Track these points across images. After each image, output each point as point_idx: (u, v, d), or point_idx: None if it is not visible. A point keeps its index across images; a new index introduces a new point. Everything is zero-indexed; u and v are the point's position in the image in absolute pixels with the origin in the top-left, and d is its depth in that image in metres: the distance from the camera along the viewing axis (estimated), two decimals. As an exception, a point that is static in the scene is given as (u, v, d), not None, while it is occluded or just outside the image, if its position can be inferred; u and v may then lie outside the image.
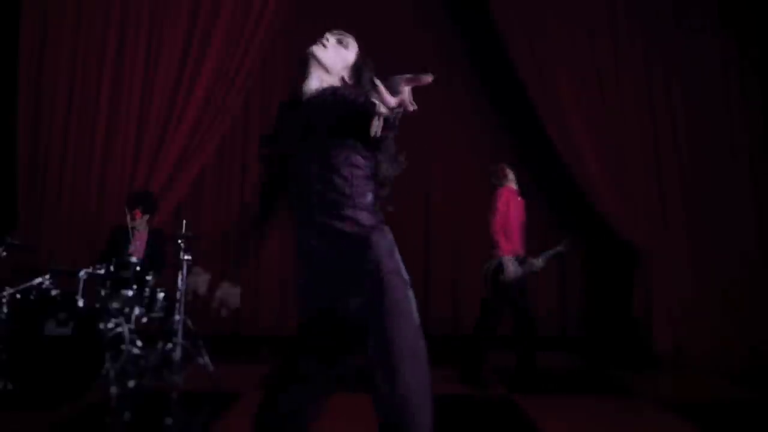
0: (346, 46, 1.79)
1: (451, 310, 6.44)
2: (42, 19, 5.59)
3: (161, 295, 4.17)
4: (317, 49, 1.75)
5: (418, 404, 1.44)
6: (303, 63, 1.76)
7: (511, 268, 4.01)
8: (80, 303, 3.61)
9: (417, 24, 6.67)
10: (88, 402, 3.45)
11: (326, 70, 1.75)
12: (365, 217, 1.61)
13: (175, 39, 5.59)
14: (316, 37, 1.77)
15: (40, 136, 5.47)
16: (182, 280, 4.15)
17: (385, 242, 1.59)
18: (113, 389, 3.47)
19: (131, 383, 3.71)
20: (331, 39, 1.77)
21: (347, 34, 1.81)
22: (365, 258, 1.55)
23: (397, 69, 1.43)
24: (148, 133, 5.48)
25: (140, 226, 4.55)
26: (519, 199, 4.37)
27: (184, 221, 4.33)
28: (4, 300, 3.55)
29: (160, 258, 4.51)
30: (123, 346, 3.72)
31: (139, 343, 3.93)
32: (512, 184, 4.40)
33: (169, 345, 4.05)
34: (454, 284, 6.46)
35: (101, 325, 3.56)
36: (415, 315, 1.53)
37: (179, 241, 4.20)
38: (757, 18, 5.83)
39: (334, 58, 1.76)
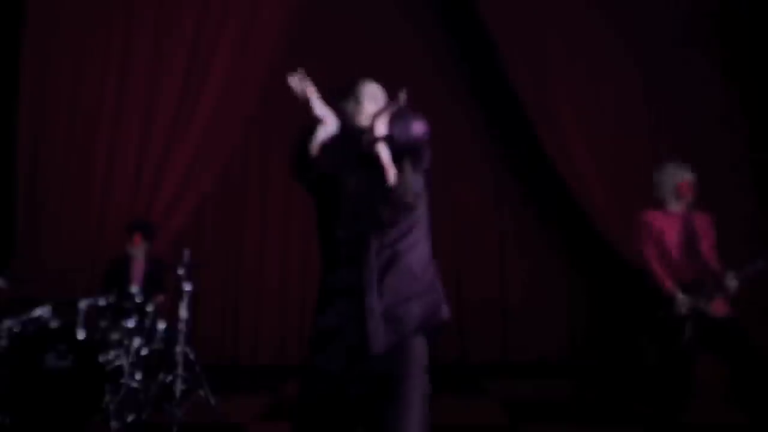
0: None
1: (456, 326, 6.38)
2: (45, 34, 5.61)
3: (162, 326, 4.13)
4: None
5: None
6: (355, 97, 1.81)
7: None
8: (80, 335, 3.57)
9: (414, 35, 6.73)
10: (87, 436, 3.39)
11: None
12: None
13: (177, 65, 5.62)
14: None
15: (39, 165, 5.46)
16: (183, 309, 4.10)
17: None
18: (113, 423, 3.41)
19: (131, 417, 3.66)
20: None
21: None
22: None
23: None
24: (148, 161, 5.48)
25: (139, 254, 4.55)
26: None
27: (186, 250, 4.30)
28: (2, 333, 3.51)
29: (160, 285, 4.50)
30: (122, 380, 3.66)
31: (138, 376, 3.88)
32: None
33: (170, 377, 3.98)
34: (457, 305, 6.40)
35: (101, 358, 3.52)
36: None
37: (179, 271, 4.14)
38: (755, 44, 5.91)
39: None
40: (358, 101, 1.77)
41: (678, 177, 3.36)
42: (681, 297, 3.17)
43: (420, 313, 1.66)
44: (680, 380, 3.22)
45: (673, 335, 3.21)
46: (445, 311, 1.75)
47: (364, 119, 1.74)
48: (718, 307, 3.14)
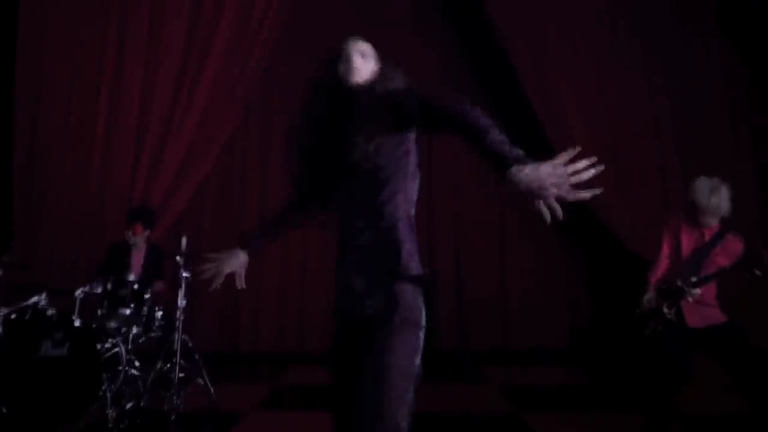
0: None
1: (456, 314, 6.34)
2: (41, 20, 5.53)
3: (159, 313, 4.08)
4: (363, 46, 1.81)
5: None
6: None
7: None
8: (77, 323, 3.52)
9: (416, 30, 6.62)
10: (84, 424, 3.36)
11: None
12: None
13: (175, 45, 5.53)
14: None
15: (36, 149, 5.40)
16: (181, 297, 4.04)
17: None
18: (110, 411, 3.38)
19: (129, 405, 3.63)
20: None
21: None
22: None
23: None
24: (147, 147, 5.41)
25: (139, 242, 4.49)
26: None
27: (184, 238, 4.24)
28: (-2, 320, 3.46)
29: (158, 272, 4.45)
30: (120, 367, 3.63)
31: (137, 363, 3.85)
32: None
33: (168, 365, 3.95)
34: (457, 293, 6.35)
35: (98, 346, 3.48)
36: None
37: (177, 258, 4.08)
38: (756, 27, 5.82)
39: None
40: (347, 59, 1.74)
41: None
42: (649, 295, 3.14)
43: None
44: (663, 371, 3.08)
45: (642, 330, 3.18)
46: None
47: (355, 76, 1.73)
48: (692, 317, 3.00)
